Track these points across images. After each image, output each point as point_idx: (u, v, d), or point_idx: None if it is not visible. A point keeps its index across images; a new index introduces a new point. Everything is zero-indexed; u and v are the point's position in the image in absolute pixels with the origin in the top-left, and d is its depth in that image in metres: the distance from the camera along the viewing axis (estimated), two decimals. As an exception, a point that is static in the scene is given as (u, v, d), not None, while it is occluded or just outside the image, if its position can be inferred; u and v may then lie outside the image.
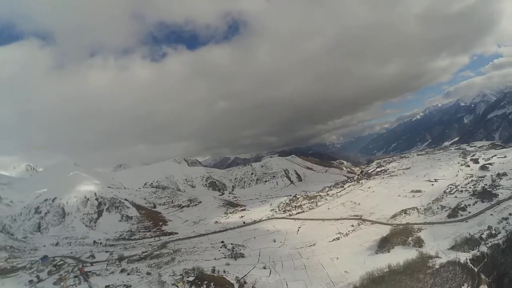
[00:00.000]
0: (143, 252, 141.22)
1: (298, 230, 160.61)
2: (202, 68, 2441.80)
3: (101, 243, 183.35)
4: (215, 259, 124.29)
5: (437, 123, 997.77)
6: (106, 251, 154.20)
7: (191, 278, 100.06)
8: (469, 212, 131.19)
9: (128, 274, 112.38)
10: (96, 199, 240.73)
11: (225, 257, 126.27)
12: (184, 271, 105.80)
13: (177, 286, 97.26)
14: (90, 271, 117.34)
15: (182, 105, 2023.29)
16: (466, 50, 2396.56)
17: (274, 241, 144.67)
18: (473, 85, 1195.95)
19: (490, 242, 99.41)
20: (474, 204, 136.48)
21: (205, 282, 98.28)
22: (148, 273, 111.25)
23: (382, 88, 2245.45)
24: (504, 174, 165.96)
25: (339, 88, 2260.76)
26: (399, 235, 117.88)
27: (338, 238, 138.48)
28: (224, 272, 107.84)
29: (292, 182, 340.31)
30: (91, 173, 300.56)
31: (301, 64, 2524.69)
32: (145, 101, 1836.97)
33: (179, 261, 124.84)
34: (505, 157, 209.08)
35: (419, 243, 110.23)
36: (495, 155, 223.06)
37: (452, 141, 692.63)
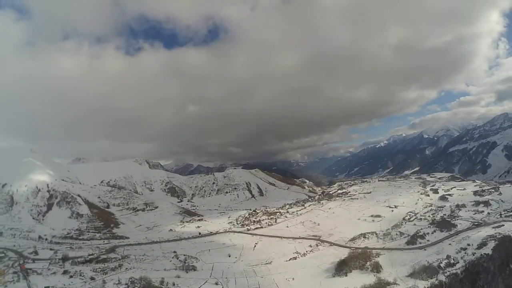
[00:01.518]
0: (89, 255, 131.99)
1: (255, 246, 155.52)
2: (176, 69, 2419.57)
3: (46, 239, 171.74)
4: (165, 269, 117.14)
5: (399, 152, 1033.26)
6: (51, 249, 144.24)
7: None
8: (428, 240, 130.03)
9: (71, 276, 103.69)
10: (48, 191, 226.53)
11: (176, 269, 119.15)
12: (130, 280, 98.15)
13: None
14: (30, 269, 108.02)
15: (151, 104, 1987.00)
16: (435, 85, 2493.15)
17: (229, 256, 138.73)
18: (438, 119, 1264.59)
19: (449, 271, 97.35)
20: (433, 233, 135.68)
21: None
22: (92, 278, 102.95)
23: (351, 112, 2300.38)
24: (463, 205, 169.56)
25: (309, 107, 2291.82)
26: (357, 259, 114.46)
27: (295, 258, 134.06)
28: (174, 285, 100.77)
29: (253, 196, 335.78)
30: (47, 163, 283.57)
31: (275, 77, 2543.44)
32: (113, 95, 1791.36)
33: (126, 268, 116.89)
34: (464, 189, 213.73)
35: (377, 268, 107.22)
36: (455, 187, 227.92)
37: (413, 170, 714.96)
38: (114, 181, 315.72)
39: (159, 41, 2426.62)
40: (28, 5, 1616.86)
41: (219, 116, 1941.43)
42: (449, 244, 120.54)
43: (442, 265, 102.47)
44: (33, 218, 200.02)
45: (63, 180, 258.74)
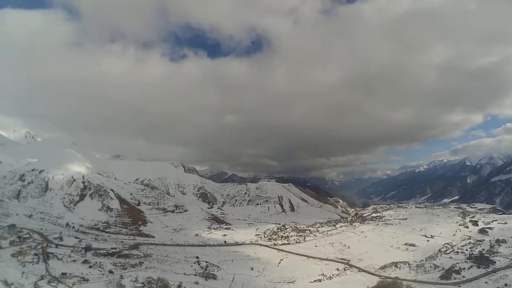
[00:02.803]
0: (112, 248, 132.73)
1: (280, 262, 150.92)
2: (217, 78, 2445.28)
3: (73, 227, 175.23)
4: (184, 274, 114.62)
5: (439, 178, 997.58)
6: (76, 237, 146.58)
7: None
8: (463, 276, 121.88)
9: (90, 267, 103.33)
10: (83, 182, 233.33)
11: (196, 275, 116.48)
12: (147, 279, 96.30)
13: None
14: (52, 253, 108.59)
15: (190, 110, 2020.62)
16: (481, 108, 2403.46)
17: (252, 269, 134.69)
18: (482, 145, 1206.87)
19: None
20: (469, 268, 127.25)
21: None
22: (111, 272, 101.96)
23: (390, 132, 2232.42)
24: (504, 241, 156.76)
25: (347, 125, 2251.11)
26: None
27: (320, 280, 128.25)
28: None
29: (284, 210, 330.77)
30: (86, 156, 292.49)
31: (314, 92, 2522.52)
32: (154, 98, 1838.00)
33: (146, 267, 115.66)
34: (505, 223, 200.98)
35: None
36: (496, 220, 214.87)
37: (452, 198, 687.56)
38: (148, 180, 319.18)
39: (203, 50, 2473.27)
40: (78, 6, 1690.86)
41: (256, 127, 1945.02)
42: (485, 282, 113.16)
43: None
44: (64, 206, 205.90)
45: (98, 173, 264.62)
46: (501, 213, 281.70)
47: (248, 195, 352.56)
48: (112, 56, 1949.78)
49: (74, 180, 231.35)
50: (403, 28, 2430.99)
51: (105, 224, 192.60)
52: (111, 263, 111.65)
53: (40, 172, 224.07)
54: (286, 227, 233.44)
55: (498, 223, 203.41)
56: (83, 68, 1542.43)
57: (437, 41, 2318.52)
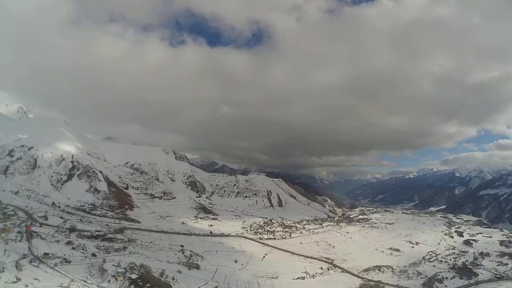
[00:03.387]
0: (96, 231, 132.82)
1: (264, 256, 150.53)
2: (216, 67, 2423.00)
3: (59, 207, 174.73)
4: (168, 262, 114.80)
5: (428, 186, 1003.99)
6: (61, 217, 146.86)
7: (134, 276, 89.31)
8: (445, 286, 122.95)
9: (73, 248, 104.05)
10: (72, 162, 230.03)
11: (179, 263, 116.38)
12: (129, 265, 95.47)
13: (116, 279, 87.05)
14: (36, 232, 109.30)
15: (187, 98, 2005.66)
16: (475, 122, 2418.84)
17: (236, 262, 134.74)
18: (473, 159, 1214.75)
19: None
20: (451, 279, 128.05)
21: (147, 286, 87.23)
22: (94, 255, 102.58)
23: (384, 138, 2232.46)
24: (488, 254, 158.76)
25: (342, 126, 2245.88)
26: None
27: (303, 278, 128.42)
28: (173, 279, 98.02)
29: (272, 205, 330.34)
30: (77, 136, 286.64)
31: (312, 91, 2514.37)
32: (151, 84, 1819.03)
33: (130, 252, 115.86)
34: (490, 237, 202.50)
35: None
36: (481, 233, 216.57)
37: (439, 207, 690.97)
38: (139, 165, 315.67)
39: (202, 37, 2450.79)
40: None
41: (251, 121, 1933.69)
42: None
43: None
44: (52, 185, 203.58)
45: (88, 154, 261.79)
46: (487, 226, 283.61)
47: (237, 187, 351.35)
48: (110, 36, 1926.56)
49: (63, 159, 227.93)
50: (407, 35, 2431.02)
51: (91, 206, 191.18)
52: (94, 246, 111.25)
53: (29, 149, 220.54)
54: (273, 222, 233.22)
55: (483, 236, 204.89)
56: (81, 47, 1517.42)
57: (439, 52, 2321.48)
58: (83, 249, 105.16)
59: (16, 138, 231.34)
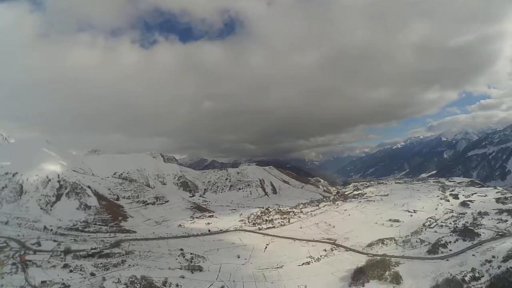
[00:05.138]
0: (92, 249, 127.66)
1: (266, 247, 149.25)
2: (192, 63, 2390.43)
3: (51, 230, 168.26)
4: (169, 268, 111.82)
5: (416, 154, 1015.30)
6: (54, 240, 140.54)
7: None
8: (450, 250, 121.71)
9: (71, 271, 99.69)
10: (58, 181, 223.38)
11: (181, 268, 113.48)
12: (130, 279, 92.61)
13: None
14: (30, 261, 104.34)
15: (166, 98, 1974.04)
16: (456, 86, 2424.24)
17: (238, 257, 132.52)
18: (457, 122, 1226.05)
19: (473, 285, 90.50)
20: (455, 242, 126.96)
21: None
22: (92, 274, 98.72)
23: (368, 112, 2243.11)
24: (486, 213, 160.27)
25: (326, 106, 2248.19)
26: (375, 268, 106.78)
27: (308, 263, 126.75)
28: (177, 286, 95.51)
29: (266, 193, 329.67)
30: (61, 154, 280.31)
31: (292, 75, 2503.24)
32: (128, 89, 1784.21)
33: (129, 265, 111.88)
34: (485, 196, 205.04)
35: (396, 279, 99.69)
36: (475, 193, 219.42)
37: (430, 173, 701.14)
38: (127, 173, 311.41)
39: (174, 35, 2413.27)
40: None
41: (235, 113, 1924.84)
42: (473, 255, 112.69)
43: (466, 278, 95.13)
44: (41, 208, 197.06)
45: (74, 170, 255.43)
46: (480, 186, 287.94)
47: (229, 181, 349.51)
48: (81, 46, 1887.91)
49: (49, 180, 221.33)
50: (381, 8, 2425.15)
51: (84, 224, 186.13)
52: (92, 265, 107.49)
53: (13, 175, 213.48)
54: (270, 210, 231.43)
55: (478, 195, 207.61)
56: (51, 60, 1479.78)
57: (415, 21, 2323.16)
58: (80, 270, 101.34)
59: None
